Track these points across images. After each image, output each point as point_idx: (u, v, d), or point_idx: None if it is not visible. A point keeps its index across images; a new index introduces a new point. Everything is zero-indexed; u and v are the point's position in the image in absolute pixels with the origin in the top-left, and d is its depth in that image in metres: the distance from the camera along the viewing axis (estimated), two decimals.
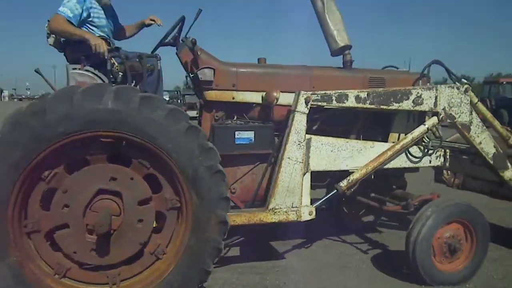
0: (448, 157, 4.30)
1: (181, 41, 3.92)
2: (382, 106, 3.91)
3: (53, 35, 3.65)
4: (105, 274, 3.06)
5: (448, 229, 3.80)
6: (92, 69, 3.48)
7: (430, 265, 3.74)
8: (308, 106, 3.69)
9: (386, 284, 3.91)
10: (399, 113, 4.24)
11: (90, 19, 3.72)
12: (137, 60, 3.62)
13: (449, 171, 5.10)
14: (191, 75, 3.87)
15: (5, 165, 2.69)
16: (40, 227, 2.92)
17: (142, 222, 3.01)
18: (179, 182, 3.00)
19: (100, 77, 3.49)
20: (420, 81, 4.25)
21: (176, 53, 3.93)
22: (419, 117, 4.29)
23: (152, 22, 4.08)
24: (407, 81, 4.30)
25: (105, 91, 2.82)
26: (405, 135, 4.16)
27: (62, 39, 3.71)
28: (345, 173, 3.95)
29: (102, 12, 3.84)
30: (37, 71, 3.61)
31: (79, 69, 3.43)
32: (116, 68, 3.41)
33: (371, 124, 4.28)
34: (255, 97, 3.93)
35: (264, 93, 3.89)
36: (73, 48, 3.59)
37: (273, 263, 4.34)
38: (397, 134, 4.29)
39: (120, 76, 3.40)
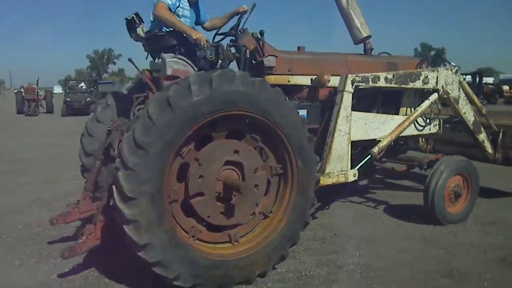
0: (442, 125, 5.40)
1: (239, 32, 4.42)
2: (402, 85, 4.86)
3: (142, 27, 3.92)
4: (227, 233, 3.56)
5: (453, 180, 4.90)
6: (184, 58, 3.85)
7: (443, 209, 4.83)
8: (353, 86, 4.48)
9: (407, 227, 4.91)
10: (406, 92, 5.23)
11: (178, 8, 4.05)
12: (228, 49, 4.05)
13: (423, 138, 6.31)
14: (253, 61, 4.38)
15: (161, 143, 3.06)
16: (177, 196, 3.33)
17: (257, 186, 3.56)
18: (287, 152, 3.60)
19: (190, 65, 3.88)
20: (423, 64, 5.28)
21: (235, 41, 4.41)
22: (420, 94, 5.33)
23: (243, 10, 4.36)
24: (411, 65, 5.30)
25: (234, 76, 3.30)
26: (413, 109, 5.18)
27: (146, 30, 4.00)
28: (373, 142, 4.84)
29: (188, 5, 4.17)
30: (130, 60, 3.89)
31: (174, 57, 3.79)
32: (210, 57, 3.84)
33: (386, 101, 5.21)
34: (306, 80, 4.60)
35: (313, 77, 4.57)
36: (160, 39, 3.91)
37: (311, 222, 5.10)
38: (405, 108, 5.29)
39: (219, 63, 3.83)
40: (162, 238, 3.13)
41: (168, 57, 3.78)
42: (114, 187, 3.08)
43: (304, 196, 3.70)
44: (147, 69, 4.25)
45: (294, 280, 3.62)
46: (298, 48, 4.88)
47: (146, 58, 4.30)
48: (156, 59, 4.18)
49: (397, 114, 5.22)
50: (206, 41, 3.86)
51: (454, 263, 3.93)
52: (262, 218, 3.70)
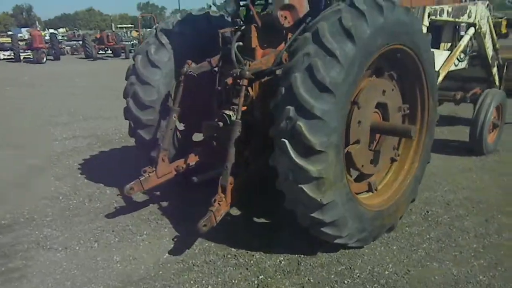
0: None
1: None
2: (456, 19, 4.81)
3: None
4: (366, 182, 3.27)
5: (494, 112, 5.15)
6: None
7: (486, 139, 5.09)
8: (429, 20, 4.30)
9: (455, 160, 5.07)
10: (446, 26, 5.21)
11: None
12: None
13: None
14: None
15: (347, 83, 2.57)
16: None
17: None
18: (421, 89, 3.34)
19: None
20: None
21: None
22: (454, 29, 5.37)
23: None
24: None
25: (394, 4, 2.87)
26: (449, 44, 5.22)
27: None
28: None
29: None
30: None
31: None
32: None
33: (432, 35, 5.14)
34: None
35: None
36: None
37: None
38: (444, 43, 5.29)
39: None
40: (342, 194, 2.73)
41: None
42: (286, 141, 2.55)
43: (430, 135, 3.53)
44: None
45: (421, 220, 3.53)
46: None
47: None
48: None
49: (438, 48, 5.21)
50: None
51: None
52: (390, 162, 3.47)
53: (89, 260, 3.05)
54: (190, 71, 3.48)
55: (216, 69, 3.65)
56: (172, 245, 3.22)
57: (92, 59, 24.33)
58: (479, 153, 5.13)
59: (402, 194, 3.33)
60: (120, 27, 40.64)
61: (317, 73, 2.48)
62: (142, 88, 3.77)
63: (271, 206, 3.76)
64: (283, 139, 2.56)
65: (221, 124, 3.34)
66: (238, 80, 3.08)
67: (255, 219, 3.62)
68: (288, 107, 2.53)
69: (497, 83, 5.99)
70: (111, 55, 27.42)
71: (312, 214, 2.69)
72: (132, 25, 45.94)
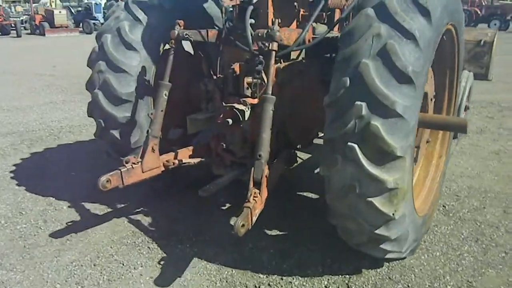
0: None
1: None
2: None
3: None
4: None
5: None
6: None
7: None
8: None
9: None
10: None
11: None
12: None
13: None
14: None
15: (425, 72, 2.10)
16: None
17: None
18: (451, 73, 3.03)
19: None
20: None
21: None
22: None
23: None
24: None
25: None
26: None
27: None
28: None
29: None
30: None
31: None
32: None
33: None
34: None
35: None
36: None
37: None
38: None
39: None
40: (410, 204, 2.30)
41: None
42: (355, 146, 2.02)
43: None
44: None
45: (444, 218, 3.25)
46: None
47: None
48: None
49: None
50: None
51: None
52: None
53: None
54: (186, 34, 2.74)
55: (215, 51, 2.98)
56: (183, 279, 2.54)
57: None
58: (453, 137, 5.07)
59: (435, 192, 3.01)
60: (6, 1, 35.95)
61: (396, 60, 1.97)
62: (116, 77, 2.95)
63: (276, 213, 3.23)
64: (350, 144, 2.03)
65: (230, 121, 2.69)
66: (267, 44, 2.46)
67: (268, 231, 3.05)
68: (359, 103, 2.00)
69: None
70: None
71: (377, 231, 2.22)
72: None
